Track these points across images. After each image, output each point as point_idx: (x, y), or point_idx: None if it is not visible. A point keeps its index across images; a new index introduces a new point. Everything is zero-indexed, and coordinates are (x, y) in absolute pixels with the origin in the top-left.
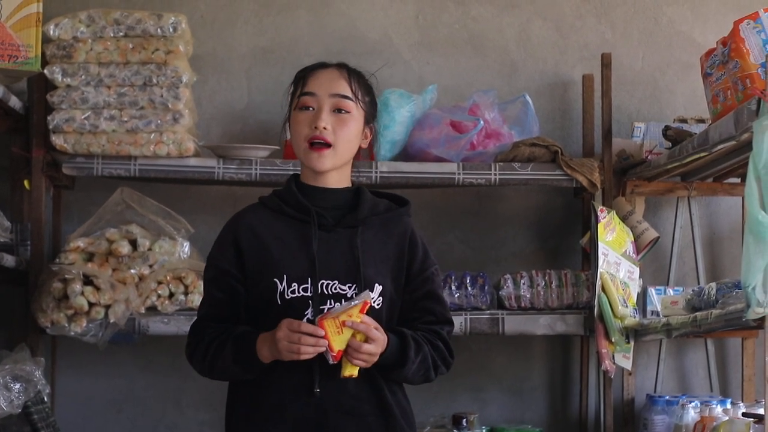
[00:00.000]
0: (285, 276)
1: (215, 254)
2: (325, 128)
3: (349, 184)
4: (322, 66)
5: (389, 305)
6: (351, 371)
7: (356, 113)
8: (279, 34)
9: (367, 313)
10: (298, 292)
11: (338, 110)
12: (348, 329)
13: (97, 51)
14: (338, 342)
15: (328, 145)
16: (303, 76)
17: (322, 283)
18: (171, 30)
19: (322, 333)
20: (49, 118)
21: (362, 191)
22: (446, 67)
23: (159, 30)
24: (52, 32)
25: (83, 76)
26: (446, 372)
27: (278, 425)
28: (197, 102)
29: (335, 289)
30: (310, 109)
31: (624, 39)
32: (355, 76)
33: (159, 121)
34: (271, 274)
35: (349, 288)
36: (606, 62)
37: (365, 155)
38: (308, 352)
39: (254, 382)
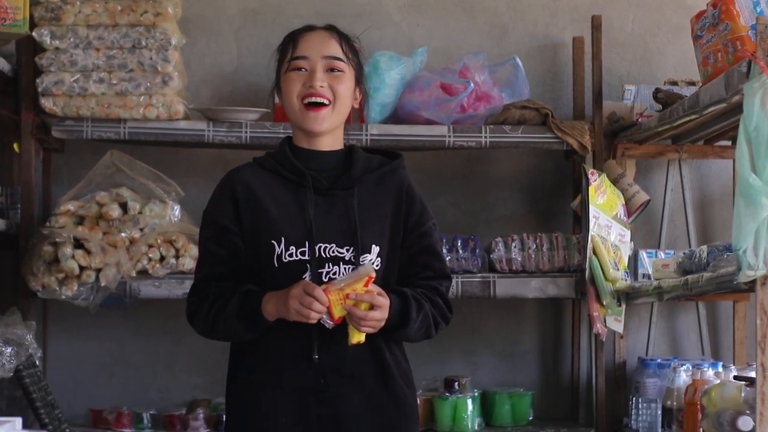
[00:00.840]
0: (283, 239)
1: (213, 211)
2: (321, 86)
3: (342, 146)
4: (310, 29)
5: (387, 264)
6: (359, 338)
7: (348, 73)
8: None
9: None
10: (296, 256)
11: (331, 70)
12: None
13: (85, 13)
14: (339, 310)
15: (325, 104)
16: (292, 40)
17: (320, 247)
18: None
19: (327, 302)
20: (38, 80)
21: (354, 149)
22: (436, 29)
23: None
24: None
25: (72, 39)
26: (445, 327)
27: (276, 390)
28: (186, 64)
29: (332, 252)
30: (303, 70)
31: (614, 1)
32: (344, 37)
33: (148, 84)
34: (269, 236)
35: (347, 251)
36: (596, 24)
37: (356, 117)
38: (315, 317)
39: (254, 348)
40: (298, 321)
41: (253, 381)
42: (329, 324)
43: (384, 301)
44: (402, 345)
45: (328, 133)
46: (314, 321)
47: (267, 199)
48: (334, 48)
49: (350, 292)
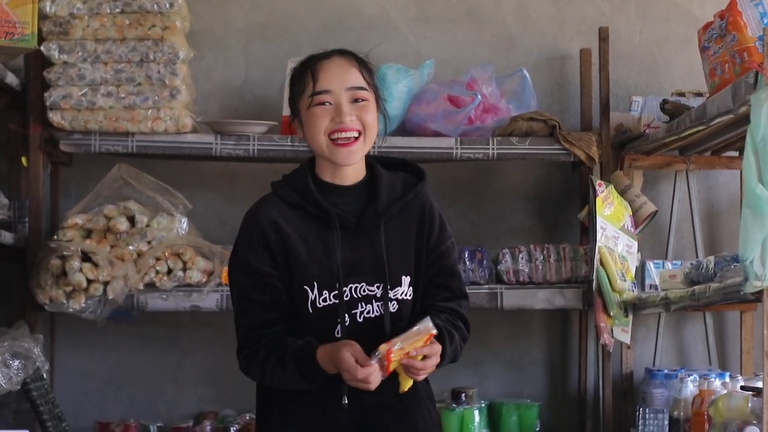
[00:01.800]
0: (315, 284)
1: (249, 258)
2: (351, 120)
3: (364, 171)
4: (326, 57)
5: (416, 290)
6: (410, 383)
7: (372, 100)
8: (276, 10)
9: (400, 306)
10: (329, 299)
11: (356, 100)
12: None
13: (93, 27)
14: (395, 364)
15: (356, 138)
16: (311, 71)
17: (351, 287)
18: (167, 6)
19: (379, 374)
20: (46, 94)
21: (377, 173)
22: (444, 41)
23: (155, 6)
24: (48, 9)
25: (80, 53)
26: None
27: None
28: (194, 78)
29: (363, 291)
30: (327, 104)
31: (621, 12)
32: (363, 63)
33: (156, 98)
34: (301, 281)
35: (377, 288)
36: (603, 36)
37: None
38: (374, 387)
39: (284, 393)
40: None
41: (285, 422)
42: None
43: (439, 349)
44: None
45: (356, 165)
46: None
47: (297, 241)
48: (356, 77)
49: (411, 350)
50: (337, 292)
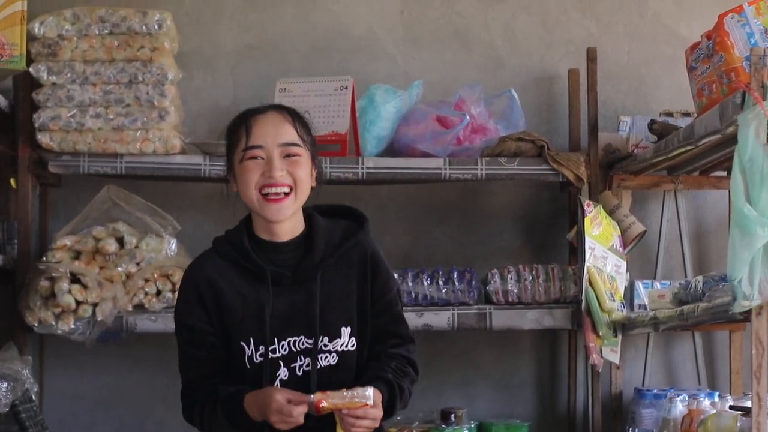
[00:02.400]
0: (251, 339)
1: (185, 314)
2: (281, 175)
3: (302, 225)
4: (261, 112)
5: (360, 340)
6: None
7: (305, 155)
8: (265, 31)
9: (341, 358)
10: (268, 354)
11: (288, 155)
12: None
13: (82, 49)
14: (326, 411)
15: (286, 193)
16: (245, 126)
17: (290, 341)
18: (156, 27)
19: (303, 412)
20: (35, 116)
21: (314, 226)
22: (432, 62)
23: (144, 27)
24: (37, 30)
25: (69, 74)
26: None
27: None
28: (183, 99)
29: (302, 344)
30: (259, 159)
31: (609, 33)
32: (297, 117)
33: (145, 119)
34: (238, 337)
35: (315, 342)
36: (591, 56)
37: (351, 150)
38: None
39: None
40: None
41: None
42: (314, 413)
43: (376, 414)
44: None
45: (289, 221)
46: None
47: (232, 297)
48: (290, 133)
49: (344, 410)
50: (274, 346)
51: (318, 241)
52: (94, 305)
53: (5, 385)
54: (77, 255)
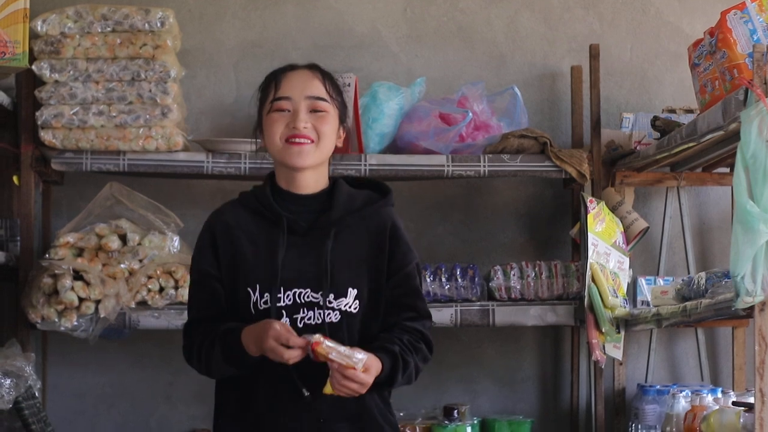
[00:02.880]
0: (258, 286)
1: (197, 256)
2: (305, 127)
3: (326, 183)
4: (292, 68)
5: (367, 306)
6: (333, 391)
7: (332, 113)
8: (267, 28)
9: (343, 317)
10: (271, 303)
11: (315, 110)
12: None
13: (84, 46)
14: (320, 357)
15: (306, 141)
16: (274, 80)
17: (295, 292)
18: (159, 25)
19: (298, 354)
20: (37, 113)
21: (339, 187)
22: (435, 59)
23: (147, 25)
24: (39, 28)
25: (71, 72)
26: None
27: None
28: (186, 96)
29: (307, 297)
30: (286, 111)
31: (612, 30)
32: (327, 76)
33: (147, 116)
34: (245, 283)
35: (321, 296)
36: (594, 53)
37: (354, 147)
38: (294, 358)
39: (241, 385)
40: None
41: (245, 422)
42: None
43: (365, 378)
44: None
45: (311, 172)
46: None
47: (245, 243)
48: (317, 88)
49: (336, 363)
50: (279, 294)
51: (338, 201)
52: (97, 302)
53: (8, 381)
54: (80, 252)
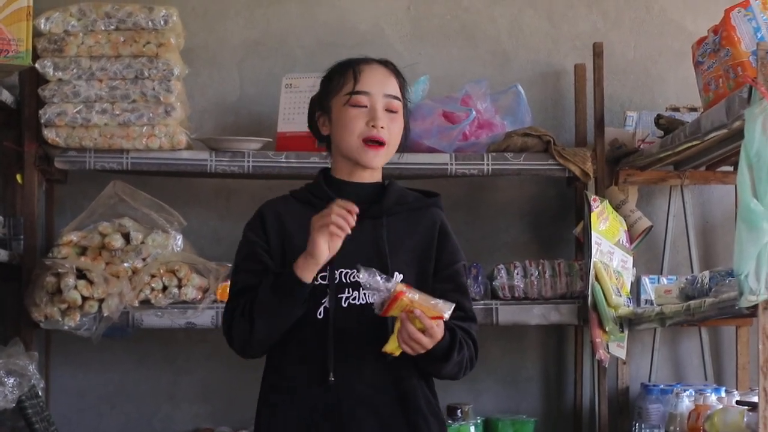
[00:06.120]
0: None
1: (247, 235)
2: (383, 127)
3: (379, 179)
4: (369, 62)
5: None
6: (394, 350)
7: (401, 113)
8: (270, 26)
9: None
10: (317, 280)
11: (389, 110)
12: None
13: (88, 44)
14: (396, 311)
15: (382, 144)
16: (353, 71)
17: (341, 272)
18: (162, 23)
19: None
20: (40, 112)
21: (392, 183)
22: (438, 57)
23: (150, 23)
24: (42, 26)
25: (75, 70)
26: (470, 371)
27: (289, 410)
28: (189, 95)
29: (354, 277)
30: (362, 107)
31: (616, 28)
32: (400, 75)
33: (151, 114)
34: (293, 260)
35: None
36: (598, 51)
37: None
38: (344, 226)
39: (276, 368)
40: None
41: (271, 401)
42: (377, 311)
43: (439, 333)
44: (431, 380)
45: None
46: (342, 234)
47: (294, 227)
48: (394, 87)
49: (417, 311)
50: (325, 273)
51: (391, 191)
52: (100, 301)
53: (12, 380)
54: (83, 251)
